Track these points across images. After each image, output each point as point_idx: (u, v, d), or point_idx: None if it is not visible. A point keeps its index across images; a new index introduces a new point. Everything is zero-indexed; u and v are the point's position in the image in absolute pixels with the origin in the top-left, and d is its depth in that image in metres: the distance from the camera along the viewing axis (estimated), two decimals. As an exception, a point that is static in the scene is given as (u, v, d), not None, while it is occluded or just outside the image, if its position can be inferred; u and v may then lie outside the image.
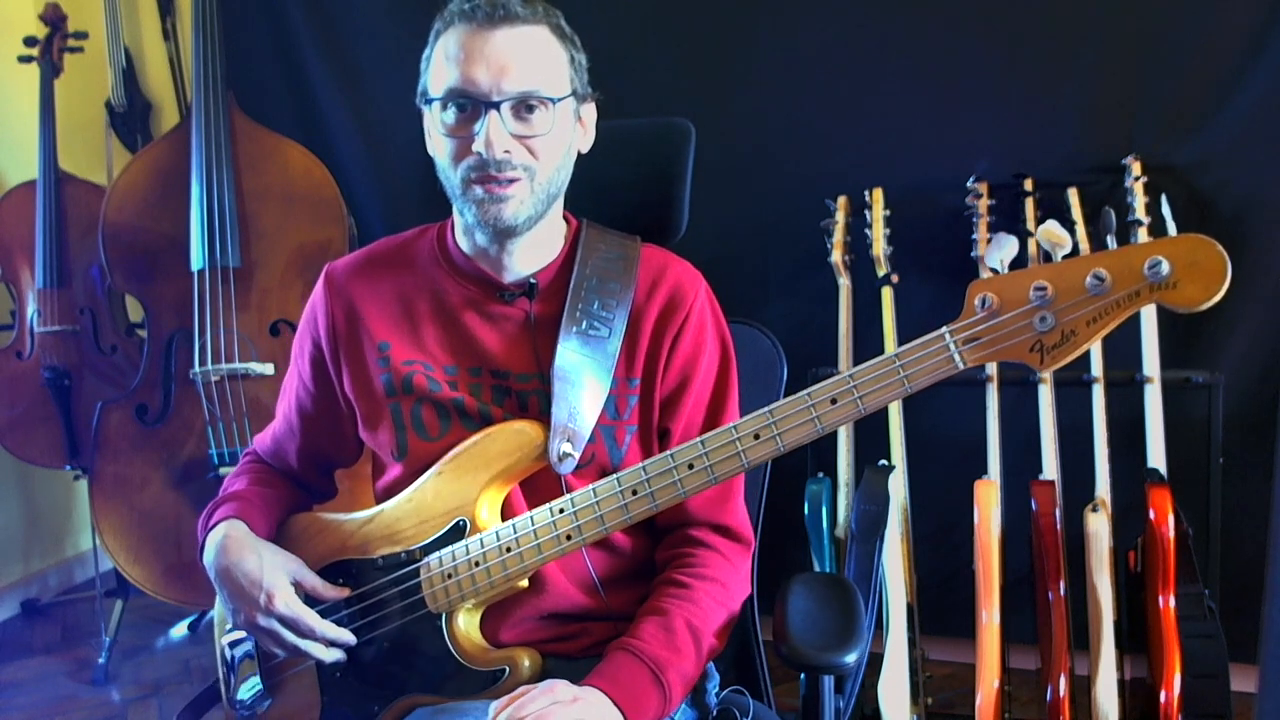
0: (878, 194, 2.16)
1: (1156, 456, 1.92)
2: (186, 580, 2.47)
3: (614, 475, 1.09)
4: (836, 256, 2.13)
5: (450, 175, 1.14)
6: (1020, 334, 0.95)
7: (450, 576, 1.14)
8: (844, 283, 2.14)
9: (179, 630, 2.81)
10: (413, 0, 2.47)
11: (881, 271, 2.11)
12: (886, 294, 2.09)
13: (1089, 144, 2.12)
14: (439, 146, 1.16)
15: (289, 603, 1.16)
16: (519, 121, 1.11)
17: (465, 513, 1.14)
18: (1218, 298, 0.88)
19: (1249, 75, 1.99)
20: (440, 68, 1.13)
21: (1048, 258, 1.07)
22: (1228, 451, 1.98)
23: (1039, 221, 2.06)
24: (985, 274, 1.28)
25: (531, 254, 1.20)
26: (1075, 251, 1.98)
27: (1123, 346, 1.96)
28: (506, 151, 1.10)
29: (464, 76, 1.10)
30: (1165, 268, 0.89)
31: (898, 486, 2.01)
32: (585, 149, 1.22)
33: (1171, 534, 1.79)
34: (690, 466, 1.06)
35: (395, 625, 1.18)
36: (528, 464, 1.14)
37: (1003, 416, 1.99)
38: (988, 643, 1.84)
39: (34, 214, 2.63)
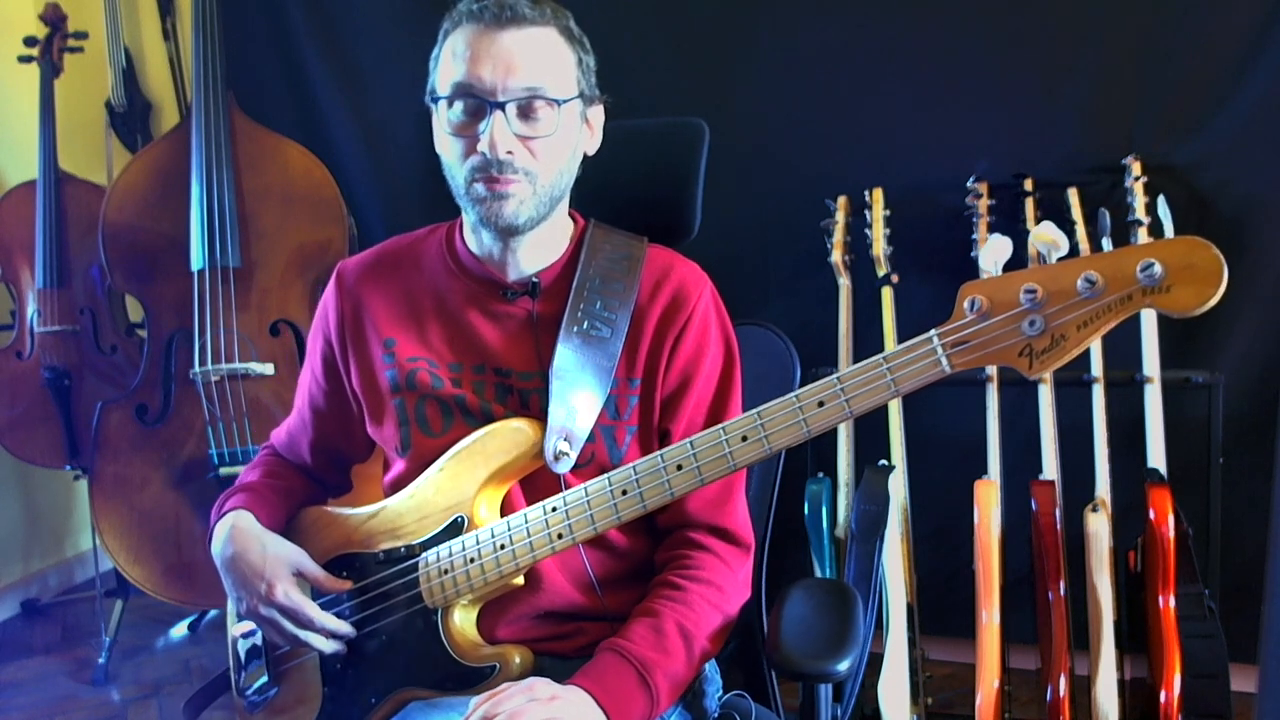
0: (878, 194, 2.16)
1: (1156, 456, 1.92)
2: (186, 580, 2.47)
3: (605, 475, 1.09)
4: (836, 256, 2.13)
5: (455, 174, 1.15)
6: (1009, 338, 0.93)
7: (446, 572, 1.15)
8: (844, 283, 2.14)
9: (179, 630, 2.81)
10: (413, 0, 2.48)
11: (881, 271, 2.11)
12: (886, 294, 2.10)
13: (1089, 144, 2.12)
14: (445, 145, 1.16)
15: (289, 593, 1.18)
16: (524, 122, 1.11)
17: (463, 509, 1.15)
18: (1212, 302, 0.86)
19: (1249, 75, 1.99)
20: (447, 66, 1.13)
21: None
22: (1228, 451, 1.98)
23: (1039, 221, 2.06)
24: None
25: (536, 253, 1.21)
26: (1075, 252, 1.99)
27: (1123, 346, 1.96)
28: (509, 152, 1.10)
29: (470, 74, 1.10)
30: (1158, 270, 0.86)
31: (898, 486, 2.01)
32: (592, 151, 1.22)
33: (1171, 534, 1.79)
34: (679, 468, 1.05)
35: (394, 619, 1.19)
36: (525, 462, 1.15)
37: (1003, 416, 1.99)
38: (988, 643, 1.84)
39: (34, 214, 2.63)
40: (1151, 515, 1.81)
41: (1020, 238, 1.91)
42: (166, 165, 2.49)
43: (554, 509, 1.10)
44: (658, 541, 1.22)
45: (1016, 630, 1.93)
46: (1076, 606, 1.90)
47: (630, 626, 1.10)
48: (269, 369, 2.42)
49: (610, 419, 1.17)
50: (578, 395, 1.15)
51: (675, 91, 2.34)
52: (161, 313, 2.48)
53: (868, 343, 2.10)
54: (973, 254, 2.07)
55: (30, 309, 2.68)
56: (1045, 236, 1.02)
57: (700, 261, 1.26)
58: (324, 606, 1.21)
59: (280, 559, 1.20)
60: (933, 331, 0.96)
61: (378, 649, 1.20)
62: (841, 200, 2.18)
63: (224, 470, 2.39)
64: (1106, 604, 1.86)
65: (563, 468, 1.13)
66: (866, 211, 2.15)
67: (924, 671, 2.00)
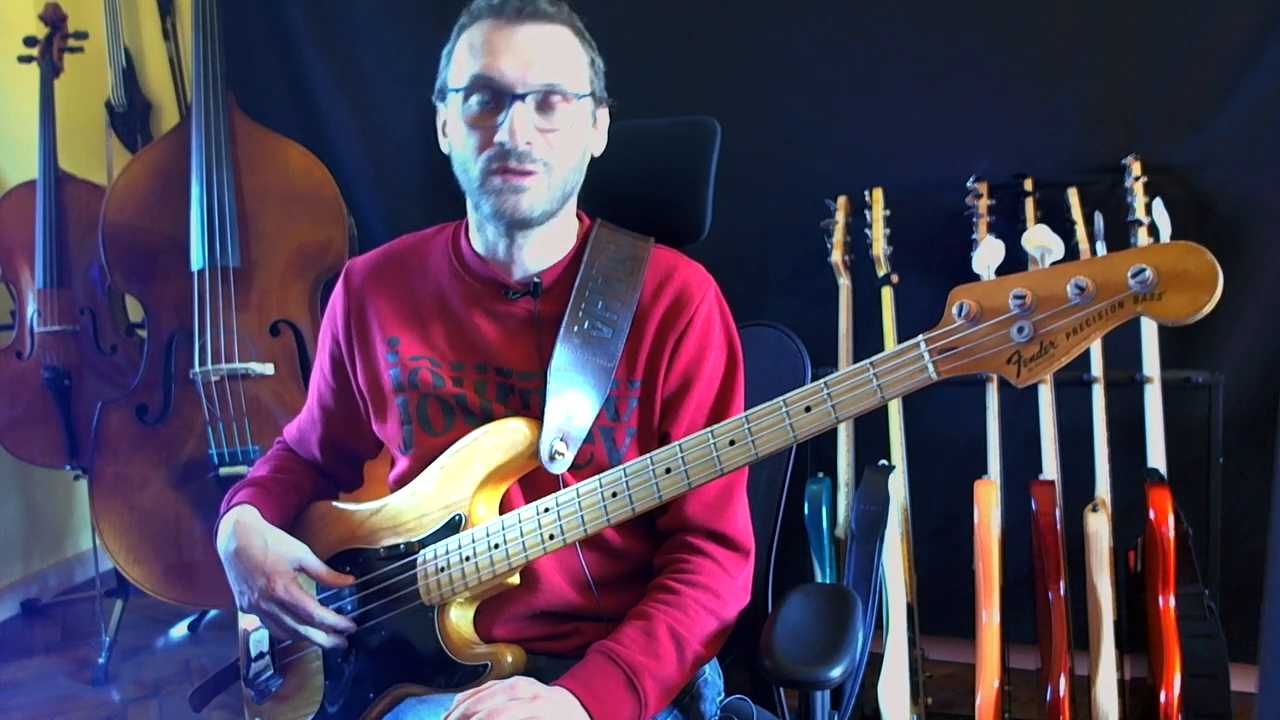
0: (878, 194, 2.16)
1: (1156, 456, 1.92)
2: (186, 580, 2.47)
3: (597, 477, 1.09)
4: (836, 256, 2.13)
5: (469, 166, 1.15)
6: (997, 345, 0.91)
7: (443, 570, 1.15)
8: (844, 283, 2.14)
9: (179, 630, 2.81)
10: (413, 1, 2.48)
11: (881, 271, 2.11)
12: (886, 294, 2.09)
13: (1089, 144, 2.12)
14: (458, 137, 1.16)
15: (289, 588, 1.19)
16: (541, 115, 1.12)
17: (461, 508, 1.16)
18: (1206, 310, 0.83)
19: (1249, 75, 1.99)
20: (464, 59, 1.14)
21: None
22: (1228, 451, 1.98)
23: (1040, 222, 2.06)
24: (984, 279, 1.26)
25: (541, 252, 1.21)
26: (1075, 253, 1.99)
27: (1123, 346, 1.96)
28: (528, 143, 1.11)
29: (489, 67, 1.11)
30: (1150, 276, 0.83)
31: (898, 486, 2.01)
32: (598, 153, 1.23)
33: (1171, 534, 1.79)
34: (667, 470, 1.05)
35: (393, 615, 1.20)
36: (521, 462, 1.15)
37: (1003, 416, 1.98)
38: (988, 643, 1.84)
39: (34, 214, 2.63)
40: (1151, 515, 1.81)
41: (1020, 238, 1.92)
42: (166, 165, 2.49)
43: (546, 510, 1.10)
44: (657, 543, 1.21)
45: (1016, 630, 1.93)
46: (1076, 606, 1.89)
47: (622, 629, 1.10)
48: (269, 369, 2.42)
49: (610, 420, 1.17)
50: (576, 396, 1.15)
51: (675, 91, 2.34)
52: (161, 313, 2.48)
53: (868, 343, 2.10)
54: (972, 254, 2.07)
55: (30, 309, 2.68)
56: (1038, 240, 1.00)
57: (700, 261, 1.26)
58: (326, 601, 1.22)
59: (282, 555, 1.21)
60: (920, 337, 0.94)
61: (376, 645, 1.21)
62: (841, 200, 2.18)
63: (224, 470, 2.40)
64: (1106, 604, 1.86)
65: (558, 468, 1.13)
66: (866, 211, 2.15)
67: (924, 671, 2.00)
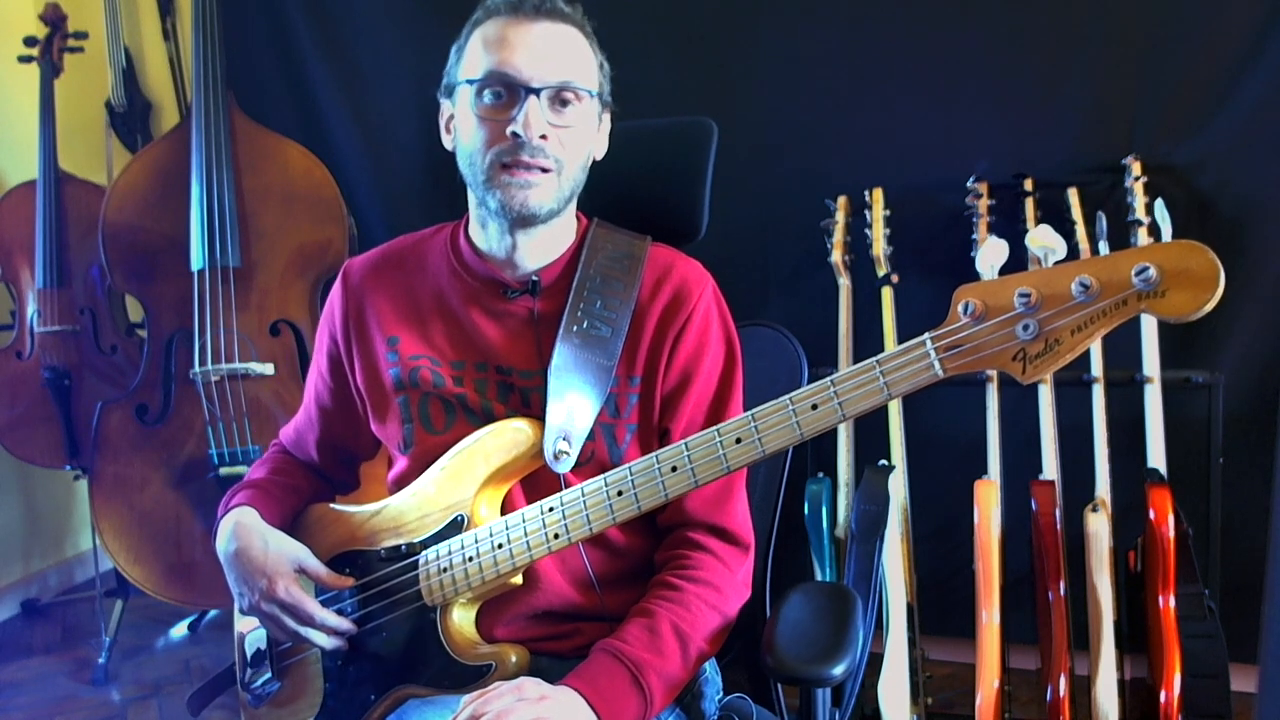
0: (878, 194, 2.16)
1: (1156, 456, 1.92)
2: (186, 580, 2.47)
3: (601, 476, 1.09)
4: (836, 256, 2.13)
5: (478, 160, 1.15)
6: (1003, 342, 0.92)
7: (445, 570, 1.15)
8: (844, 283, 2.15)
9: (179, 630, 2.81)
10: (413, 1, 2.48)
11: (881, 271, 2.11)
12: (886, 294, 2.10)
13: (1089, 144, 2.12)
14: (467, 130, 1.16)
15: (290, 589, 1.19)
16: (553, 111, 1.13)
17: (463, 508, 1.16)
18: (1208, 307, 0.85)
19: (1249, 75, 1.99)
20: (478, 53, 1.14)
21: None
22: (1228, 451, 1.98)
23: (1040, 222, 2.06)
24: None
25: (541, 251, 1.21)
26: (1075, 253, 1.99)
27: (1123, 346, 1.96)
28: (543, 137, 1.12)
29: (505, 61, 1.12)
30: (1154, 274, 0.85)
31: (898, 486, 2.01)
32: (599, 157, 1.24)
33: (1171, 534, 1.79)
34: (673, 469, 1.05)
35: (394, 616, 1.20)
36: (524, 462, 1.15)
37: (1003, 416, 1.99)
38: (988, 643, 1.84)
39: (34, 214, 2.63)
40: (1151, 515, 1.81)
41: (1020, 238, 1.92)
42: (166, 165, 2.49)
43: (551, 509, 1.10)
44: (658, 541, 1.21)
45: (1016, 630, 1.93)
46: (1076, 606, 1.90)
47: (625, 627, 1.10)
48: (269, 369, 2.42)
49: (610, 417, 1.17)
50: (577, 395, 1.15)
51: (675, 91, 2.34)
52: (161, 313, 2.48)
53: (868, 343, 2.10)
54: (972, 254, 2.07)
55: (30, 309, 2.68)
56: (1042, 240, 1.02)
57: (700, 261, 1.26)
58: (326, 603, 1.22)
59: (282, 555, 1.21)
60: (926, 335, 0.95)
61: (378, 646, 1.21)
62: (841, 200, 2.18)
63: (224, 470, 2.40)
64: (1106, 604, 1.86)
65: (563, 467, 1.13)
66: (866, 211, 2.15)
67: (924, 671, 2.00)
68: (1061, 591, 1.87)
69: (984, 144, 2.16)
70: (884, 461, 2.01)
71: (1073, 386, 2.00)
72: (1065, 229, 1.98)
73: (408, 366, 1.22)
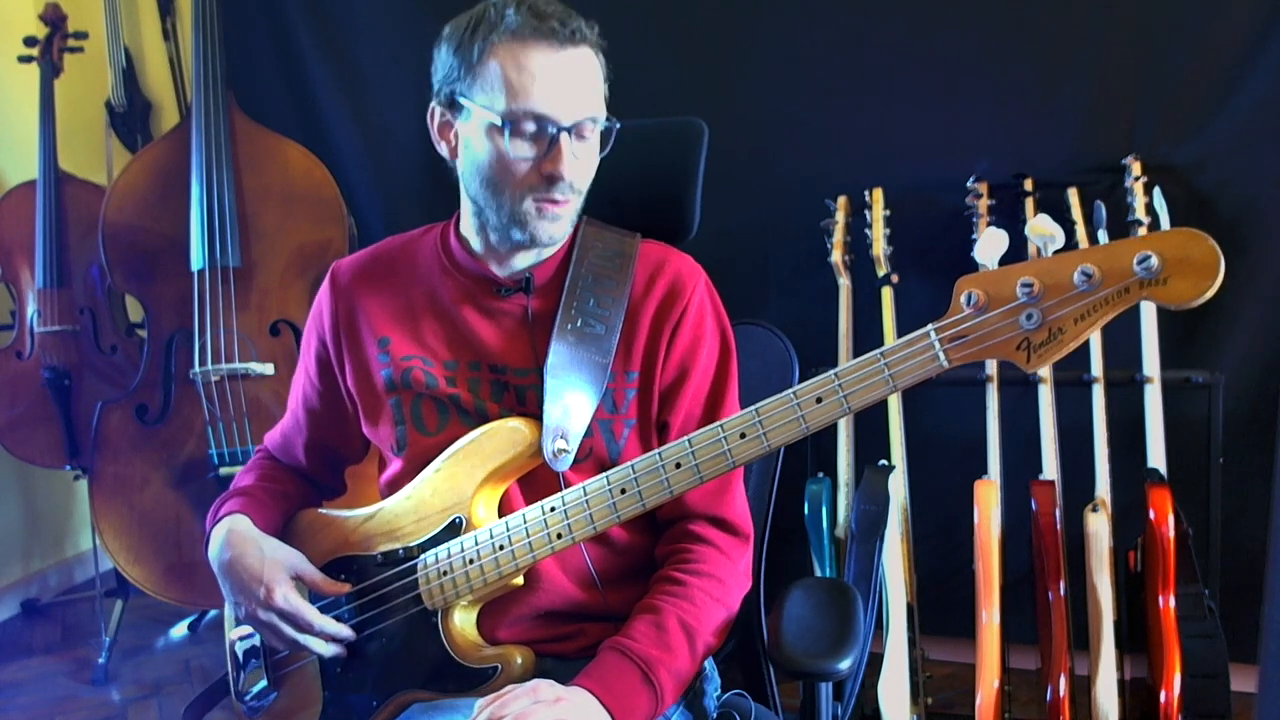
0: (878, 194, 2.16)
1: (1156, 456, 1.92)
2: (186, 580, 2.47)
3: (604, 474, 1.09)
4: (836, 256, 2.13)
5: (502, 190, 1.13)
6: (1006, 331, 0.92)
7: (445, 574, 1.14)
8: (844, 283, 2.15)
9: (179, 630, 2.81)
10: (413, 1, 2.48)
11: (881, 271, 2.11)
12: (886, 294, 2.10)
13: (1089, 144, 2.12)
14: (488, 160, 1.13)
15: (288, 597, 1.18)
16: (578, 142, 1.13)
17: (461, 510, 1.15)
18: (1210, 294, 0.85)
19: (1249, 75, 1.99)
20: (501, 80, 1.10)
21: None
22: (1228, 451, 1.98)
23: (1039, 222, 2.05)
24: (986, 272, 1.26)
25: (534, 250, 1.21)
26: (1072, 248, 1.98)
27: (1123, 346, 1.96)
28: (575, 174, 1.13)
29: (539, 100, 1.09)
30: (1155, 262, 0.85)
31: (898, 486, 2.01)
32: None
33: (1171, 534, 1.79)
34: (678, 465, 1.05)
35: (393, 621, 1.19)
36: (523, 462, 1.15)
37: (1003, 416, 1.99)
38: (988, 643, 1.84)
39: (34, 214, 2.63)
40: (1151, 515, 1.81)
41: (1020, 237, 1.92)
42: (166, 165, 2.49)
43: (552, 509, 1.10)
44: (658, 537, 1.22)
45: (1016, 630, 1.93)
46: (1076, 606, 1.90)
47: (632, 624, 1.10)
48: (269, 369, 2.42)
49: (608, 413, 1.17)
50: (573, 392, 1.15)
51: (675, 91, 2.34)
52: (161, 313, 2.48)
53: (868, 343, 2.09)
54: (972, 253, 2.07)
55: (30, 309, 2.68)
56: (1041, 229, 1.02)
57: (700, 261, 1.26)
58: (323, 610, 1.21)
59: (278, 563, 1.20)
60: (930, 326, 0.96)
61: (378, 651, 1.20)
62: (841, 200, 2.18)
63: (224, 470, 2.40)
64: (1106, 604, 1.86)
65: (562, 465, 1.13)
66: (866, 211, 2.15)
67: (924, 671, 2.00)
68: (1061, 591, 1.87)
69: (984, 144, 2.16)
70: (884, 461, 2.01)
71: (1073, 386, 2.00)
72: (1065, 229, 1.98)
73: (400, 367, 1.21)
